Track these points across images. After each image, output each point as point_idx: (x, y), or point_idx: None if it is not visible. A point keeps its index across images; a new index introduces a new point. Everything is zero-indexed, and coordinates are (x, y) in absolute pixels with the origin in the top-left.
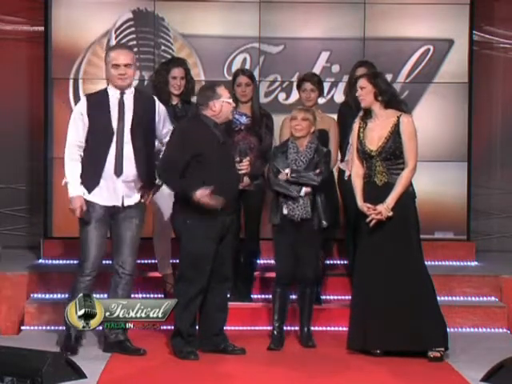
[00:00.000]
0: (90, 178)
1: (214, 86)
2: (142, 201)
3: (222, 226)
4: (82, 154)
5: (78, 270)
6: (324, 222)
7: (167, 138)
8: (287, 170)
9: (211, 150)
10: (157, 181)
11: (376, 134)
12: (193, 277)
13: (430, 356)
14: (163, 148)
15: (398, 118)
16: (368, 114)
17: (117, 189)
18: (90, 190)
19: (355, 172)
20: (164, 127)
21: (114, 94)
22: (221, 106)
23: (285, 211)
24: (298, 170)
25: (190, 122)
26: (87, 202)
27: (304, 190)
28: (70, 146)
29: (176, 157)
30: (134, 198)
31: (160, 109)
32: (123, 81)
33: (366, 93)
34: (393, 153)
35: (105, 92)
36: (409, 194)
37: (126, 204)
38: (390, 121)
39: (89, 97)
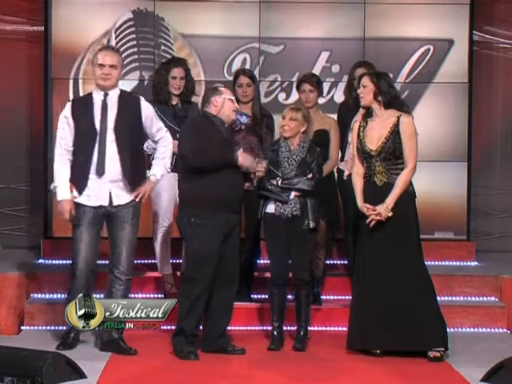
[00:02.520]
0: (79, 180)
1: (217, 86)
2: (133, 198)
3: (226, 224)
4: (71, 157)
5: (71, 272)
6: (311, 223)
7: (159, 136)
8: (278, 179)
9: (217, 146)
10: (153, 178)
11: (376, 133)
12: (197, 277)
13: (429, 356)
14: (158, 146)
15: (398, 118)
16: (369, 113)
17: (103, 189)
18: (80, 191)
19: (356, 171)
20: (153, 126)
21: (97, 96)
22: (222, 102)
23: (273, 210)
24: (289, 177)
25: (199, 118)
26: (77, 205)
27: (293, 193)
28: (58, 150)
29: (197, 144)
30: (126, 197)
31: (146, 108)
32: (106, 81)
33: (366, 91)
34: (392, 153)
35: (89, 95)
36: (409, 194)
37: (115, 203)
38: (390, 121)
39: (73, 101)
